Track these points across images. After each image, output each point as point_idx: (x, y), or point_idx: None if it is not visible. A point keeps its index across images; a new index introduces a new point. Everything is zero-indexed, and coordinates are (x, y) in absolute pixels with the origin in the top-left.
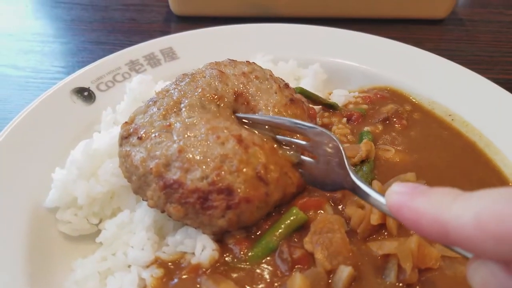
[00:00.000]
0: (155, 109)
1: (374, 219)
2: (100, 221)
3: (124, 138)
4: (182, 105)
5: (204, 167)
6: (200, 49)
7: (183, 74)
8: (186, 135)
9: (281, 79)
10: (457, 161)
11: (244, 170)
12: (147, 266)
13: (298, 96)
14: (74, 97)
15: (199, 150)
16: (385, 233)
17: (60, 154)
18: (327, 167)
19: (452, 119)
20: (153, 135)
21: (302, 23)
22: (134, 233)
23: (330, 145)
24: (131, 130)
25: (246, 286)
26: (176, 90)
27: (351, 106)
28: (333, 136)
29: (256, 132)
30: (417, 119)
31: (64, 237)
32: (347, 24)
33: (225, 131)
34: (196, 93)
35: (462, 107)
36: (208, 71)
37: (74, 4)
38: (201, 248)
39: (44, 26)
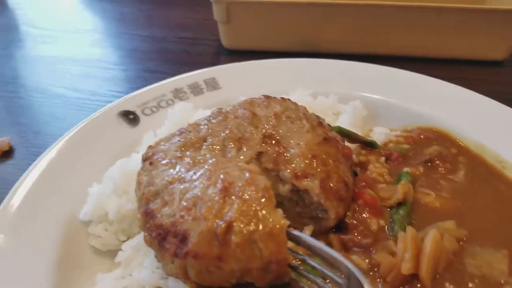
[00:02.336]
0: (177, 139)
1: (406, 268)
2: (128, 239)
3: (143, 160)
4: (205, 143)
5: (176, 205)
6: (241, 80)
7: (217, 111)
8: (186, 170)
9: (316, 116)
10: (505, 211)
11: (208, 221)
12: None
13: (333, 134)
14: (120, 119)
15: (186, 187)
16: (418, 285)
17: (100, 171)
18: None
19: (503, 166)
20: (162, 162)
21: (351, 60)
22: (148, 256)
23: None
24: (150, 154)
25: None
26: (205, 126)
27: (391, 145)
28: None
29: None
30: (463, 163)
31: (93, 251)
32: (398, 62)
33: (222, 175)
34: (222, 134)
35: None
36: (240, 111)
37: (136, 35)
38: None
39: (107, 54)
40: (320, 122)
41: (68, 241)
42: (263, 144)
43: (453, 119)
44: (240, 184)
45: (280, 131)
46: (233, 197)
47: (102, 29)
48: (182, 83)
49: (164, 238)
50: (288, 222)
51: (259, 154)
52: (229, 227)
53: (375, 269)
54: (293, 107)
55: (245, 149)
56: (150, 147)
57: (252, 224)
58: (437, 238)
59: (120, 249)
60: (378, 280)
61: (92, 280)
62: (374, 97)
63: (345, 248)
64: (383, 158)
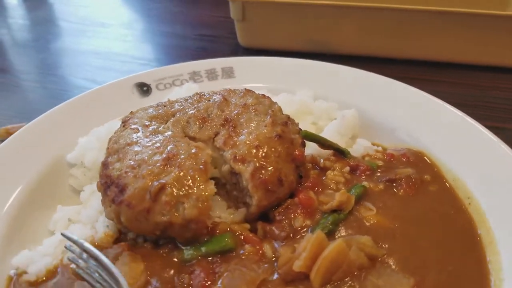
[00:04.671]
0: (151, 110)
1: (297, 266)
2: None
3: (121, 123)
4: (173, 117)
5: (125, 163)
6: (255, 73)
7: (197, 93)
8: (145, 137)
9: (287, 117)
10: (444, 246)
11: (145, 180)
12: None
13: (293, 136)
14: (134, 89)
15: (138, 150)
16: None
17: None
18: None
19: (469, 203)
20: (131, 127)
21: (362, 62)
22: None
23: None
24: (127, 118)
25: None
26: (180, 103)
27: (367, 158)
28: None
29: None
30: (431, 191)
31: (69, 189)
32: (414, 66)
33: (170, 147)
34: (190, 111)
35: (484, 195)
36: (215, 96)
37: (158, 31)
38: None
39: (128, 49)
40: (285, 122)
41: (52, 174)
42: (221, 126)
43: (443, 147)
44: (183, 156)
45: (241, 120)
46: (174, 165)
47: (128, 24)
48: (201, 67)
49: (108, 186)
50: (214, 190)
51: (216, 135)
52: (162, 188)
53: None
54: (266, 103)
55: (205, 128)
56: (131, 112)
57: (183, 189)
58: (341, 247)
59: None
60: (276, 270)
61: (54, 209)
62: (373, 110)
63: (265, 237)
64: (347, 168)
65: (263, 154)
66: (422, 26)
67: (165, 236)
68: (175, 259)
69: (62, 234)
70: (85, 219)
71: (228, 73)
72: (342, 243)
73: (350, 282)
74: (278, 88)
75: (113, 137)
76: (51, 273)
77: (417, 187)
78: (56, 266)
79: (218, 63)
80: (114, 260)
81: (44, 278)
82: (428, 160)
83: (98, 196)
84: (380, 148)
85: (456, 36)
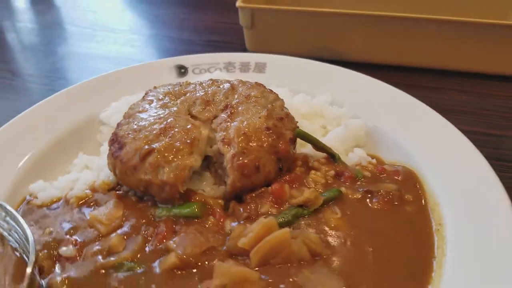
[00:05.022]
0: (168, 88)
1: (241, 242)
2: None
3: (144, 94)
4: (183, 96)
5: (131, 126)
6: (286, 72)
7: (211, 79)
8: (154, 108)
9: (286, 113)
10: (390, 266)
11: (139, 143)
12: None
13: (284, 132)
14: (173, 69)
15: (144, 118)
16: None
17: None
18: None
19: (438, 229)
20: (148, 98)
21: (370, 68)
22: None
23: None
24: (148, 90)
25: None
26: (195, 85)
27: (357, 167)
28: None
29: None
30: (406, 211)
31: (96, 142)
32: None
33: (170, 120)
34: (198, 94)
35: (454, 224)
36: (225, 84)
37: (166, 36)
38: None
39: (136, 54)
40: (281, 118)
41: (85, 128)
42: (221, 111)
43: (440, 172)
44: (177, 129)
45: (240, 108)
46: (166, 136)
47: (136, 29)
48: (237, 59)
49: (113, 142)
50: (195, 163)
51: (215, 117)
52: (150, 152)
53: None
54: (269, 98)
55: (207, 110)
56: (154, 87)
57: (168, 156)
58: (284, 236)
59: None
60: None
61: (76, 156)
62: (382, 126)
63: (232, 214)
64: (332, 172)
65: (248, 141)
66: (426, 33)
67: (147, 194)
68: (150, 215)
69: None
70: (96, 166)
71: (260, 68)
72: (287, 233)
73: (284, 269)
74: (302, 89)
75: (133, 104)
76: (54, 203)
77: (394, 205)
78: (60, 199)
79: (253, 57)
80: (103, 203)
81: (48, 204)
82: (416, 181)
83: None
84: (374, 161)
85: (459, 44)
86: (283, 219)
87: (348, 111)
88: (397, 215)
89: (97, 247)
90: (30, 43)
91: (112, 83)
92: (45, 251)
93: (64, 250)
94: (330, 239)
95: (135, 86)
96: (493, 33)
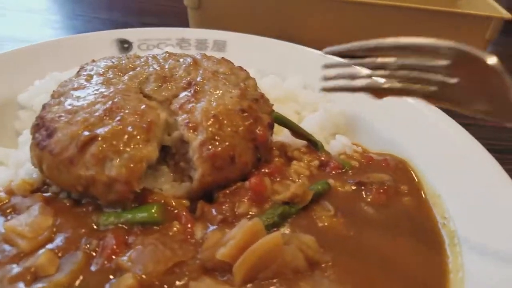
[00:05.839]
0: (112, 61)
1: (220, 253)
2: None
3: (79, 69)
4: (132, 71)
5: (63, 107)
6: (249, 52)
7: (167, 52)
8: (93, 85)
9: (261, 94)
10: (401, 270)
11: (77, 127)
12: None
13: (260, 115)
14: (114, 44)
15: (81, 96)
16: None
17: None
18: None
19: (444, 224)
20: (84, 73)
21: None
22: None
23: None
24: (84, 64)
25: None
26: (146, 58)
27: (342, 156)
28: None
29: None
30: (404, 204)
31: (13, 131)
32: None
33: (117, 99)
34: (152, 69)
35: (462, 219)
36: (186, 58)
37: (94, 17)
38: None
39: (58, 36)
40: (256, 99)
41: None
42: (182, 90)
43: (431, 164)
44: (127, 111)
45: (206, 86)
46: (113, 119)
47: (56, 9)
48: (192, 36)
49: (38, 129)
50: (153, 154)
51: (175, 97)
52: (92, 139)
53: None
54: (240, 75)
55: (164, 88)
56: (92, 60)
57: (117, 144)
58: (275, 242)
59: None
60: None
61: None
62: (360, 110)
63: (201, 218)
64: (316, 162)
65: (220, 125)
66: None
67: (88, 195)
68: (92, 223)
69: None
70: (12, 161)
71: (220, 46)
72: (279, 238)
73: (277, 285)
74: (268, 70)
75: (64, 81)
76: None
77: (389, 196)
78: None
79: (211, 34)
80: (23, 210)
81: None
82: (409, 170)
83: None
84: (360, 149)
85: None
86: (268, 220)
87: (324, 95)
88: (395, 209)
89: (18, 270)
90: None
91: (33, 58)
92: None
93: None
94: (325, 242)
95: (64, 62)
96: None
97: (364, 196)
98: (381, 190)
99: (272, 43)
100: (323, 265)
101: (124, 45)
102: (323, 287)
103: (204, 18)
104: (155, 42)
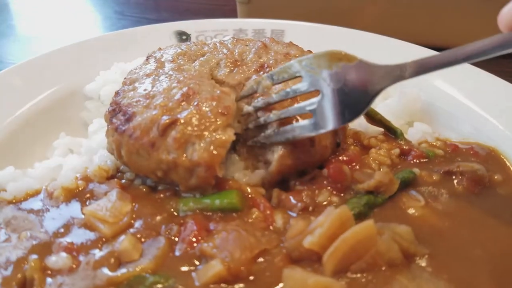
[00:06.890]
0: (180, 48)
1: (309, 241)
2: None
3: (146, 57)
4: (202, 57)
5: (139, 92)
6: (307, 40)
7: (233, 37)
8: (166, 71)
9: None
10: (505, 262)
11: (157, 111)
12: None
13: None
14: (173, 36)
15: (156, 82)
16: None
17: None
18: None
19: None
20: (154, 60)
21: None
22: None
23: None
24: (152, 53)
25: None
26: (214, 44)
27: (423, 145)
28: None
29: None
30: (500, 194)
31: (80, 122)
32: None
33: (192, 84)
34: (222, 54)
35: None
36: (254, 42)
37: (142, 18)
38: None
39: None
40: None
41: (66, 103)
42: (255, 72)
43: None
44: (204, 96)
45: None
46: (192, 103)
47: (104, 11)
48: (249, 26)
49: (115, 114)
50: (232, 137)
51: (247, 79)
52: (173, 123)
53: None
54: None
55: (236, 72)
56: (159, 48)
57: (198, 128)
58: (369, 231)
59: None
60: (282, 244)
61: (56, 137)
62: (441, 99)
63: (278, 206)
64: (397, 150)
65: None
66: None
67: (166, 181)
68: (171, 209)
69: None
70: (85, 150)
71: (278, 36)
72: (372, 227)
73: (370, 278)
74: None
75: (134, 69)
76: (30, 197)
77: (482, 186)
78: (38, 191)
79: (269, 24)
80: (101, 195)
81: (22, 199)
82: (502, 158)
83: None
84: (442, 137)
85: None
86: (354, 210)
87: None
88: (490, 199)
89: (101, 254)
90: None
91: (97, 50)
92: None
93: (53, 261)
94: (420, 234)
95: (127, 53)
96: None
97: (456, 186)
98: (474, 180)
99: (330, 29)
100: (417, 259)
101: (183, 37)
102: (423, 281)
103: (254, 13)
104: (212, 33)
